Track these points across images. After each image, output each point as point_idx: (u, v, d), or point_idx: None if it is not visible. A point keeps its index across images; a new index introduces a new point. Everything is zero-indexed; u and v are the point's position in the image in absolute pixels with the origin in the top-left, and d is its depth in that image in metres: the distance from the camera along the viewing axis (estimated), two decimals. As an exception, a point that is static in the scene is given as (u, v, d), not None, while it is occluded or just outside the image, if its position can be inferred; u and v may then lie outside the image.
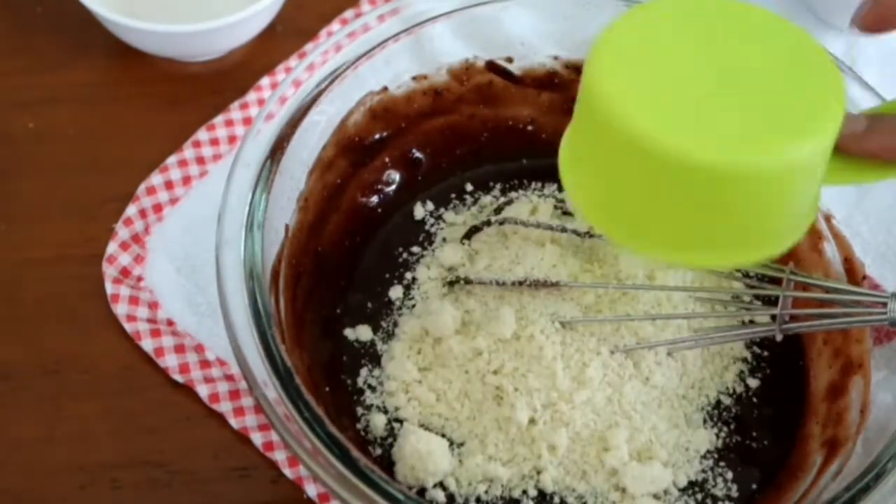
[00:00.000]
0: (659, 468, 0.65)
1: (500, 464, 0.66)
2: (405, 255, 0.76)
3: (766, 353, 0.72)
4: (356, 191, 0.76)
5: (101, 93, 0.89)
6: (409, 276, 0.74)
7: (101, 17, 0.84)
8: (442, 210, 0.78)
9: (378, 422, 0.68)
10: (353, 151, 0.75)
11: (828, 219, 0.74)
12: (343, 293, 0.74)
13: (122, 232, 0.79)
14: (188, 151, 0.83)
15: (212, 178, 0.82)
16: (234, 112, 0.85)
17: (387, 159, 0.78)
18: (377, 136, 0.77)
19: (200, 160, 0.83)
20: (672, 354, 0.69)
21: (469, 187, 0.79)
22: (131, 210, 0.80)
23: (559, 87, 0.80)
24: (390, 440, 0.68)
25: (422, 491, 0.66)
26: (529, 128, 0.81)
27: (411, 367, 0.69)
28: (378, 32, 0.73)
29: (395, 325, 0.72)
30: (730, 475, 0.68)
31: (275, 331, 0.61)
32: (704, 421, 0.69)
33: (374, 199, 0.78)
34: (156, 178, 0.82)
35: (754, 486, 0.68)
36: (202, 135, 0.84)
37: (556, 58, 0.79)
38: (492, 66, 0.79)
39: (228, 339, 0.61)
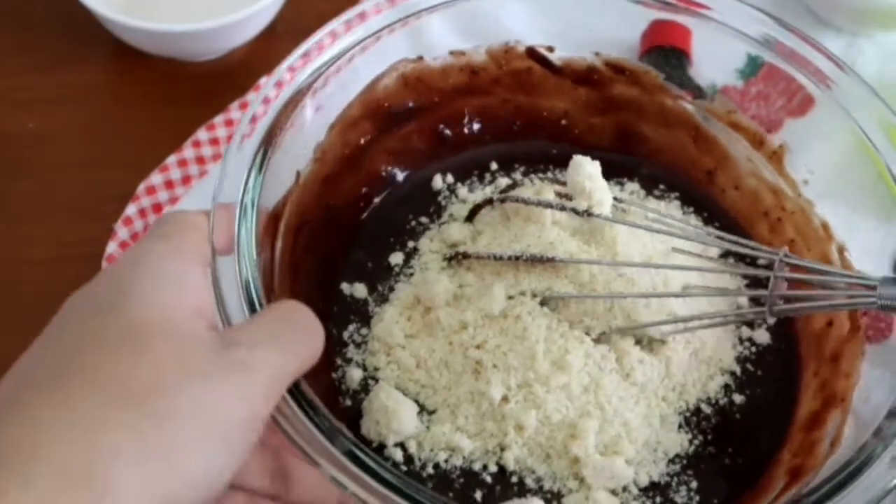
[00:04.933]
0: (621, 465, 0.64)
1: (467, 436, 0.66)
2: (413, 222, 0.76)
3: (758, 372, 0.70)
4: (378, 154, 0.76)
5: (101, 93, 0.89)
6: (411, 244, 0.74)
7: (102, 17, 0.84)
8: (458, 185, 0.78)
9: (354, 375, 0.68)
10: (380, 116, 0.75)
11: (825, 227, 0.73)
12: (346, 248, 0.74)
13: (122, 232, 0.79)
14: (188, 151, 0.83)
15: (212, 177, 0.82)
16: (234, 112, 0.86)
17: (414, 130, 0.78)
18: (408, 105, 0.77)
19: (200, 160, 0.83)
20: (656, 354, 0.68)
21: (493, 166, 0.79)
22: (131, 210, 0.80)
23: (597, 84, 0.79)
24: (362, 395, 0.68)
25: (381, 448, 0.66)
26: (563, 122, 0.80)
27: (398, 332, 0.69)
28: (378, 21, 0.72)
29: (391, 290, 0.72)
30: (694, 484, 0.66)
31: (257, 274, 0.59)
32: (680, 426, 0.68)
33: (395, 167, 0.78)
34: (156, 178, 0.82)
35: (715, 501, 0.66)
36: (202, 135, 0.84)
37: (597, 54, 0.78)
38: (532, 53, 0.78)
39: (214, 293, 0.58)
